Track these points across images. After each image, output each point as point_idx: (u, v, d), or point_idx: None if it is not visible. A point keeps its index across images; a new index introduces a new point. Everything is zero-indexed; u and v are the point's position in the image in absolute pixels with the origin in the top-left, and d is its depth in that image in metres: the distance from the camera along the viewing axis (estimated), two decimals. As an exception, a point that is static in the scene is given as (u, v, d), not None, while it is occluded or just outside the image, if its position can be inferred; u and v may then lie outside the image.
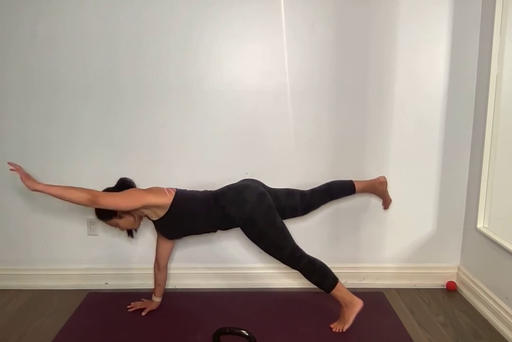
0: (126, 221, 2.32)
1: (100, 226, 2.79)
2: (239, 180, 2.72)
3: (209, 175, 2.72)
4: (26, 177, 2.05)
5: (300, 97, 2.66)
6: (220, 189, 2.37)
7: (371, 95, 2.67)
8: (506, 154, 2.48)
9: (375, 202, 2.78)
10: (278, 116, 2.68)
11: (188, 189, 2.39)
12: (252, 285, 2.81)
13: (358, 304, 2.30)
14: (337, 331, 2.29)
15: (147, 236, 2.80)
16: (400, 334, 2.29)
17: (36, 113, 2.68)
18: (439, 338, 2.28)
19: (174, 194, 2.26)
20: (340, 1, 2.57)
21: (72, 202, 2.08)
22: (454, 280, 2.83)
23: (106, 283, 2.85)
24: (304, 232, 2.79)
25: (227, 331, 1.92)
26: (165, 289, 2.60)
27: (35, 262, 2.84)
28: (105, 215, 2.29)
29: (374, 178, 2.59)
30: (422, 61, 2.64)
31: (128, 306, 2.54)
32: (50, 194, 2.06)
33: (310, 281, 2.32)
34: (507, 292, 2.33)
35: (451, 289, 2.79)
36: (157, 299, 2.53)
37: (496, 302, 2.41)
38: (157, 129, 2.70)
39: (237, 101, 2.67)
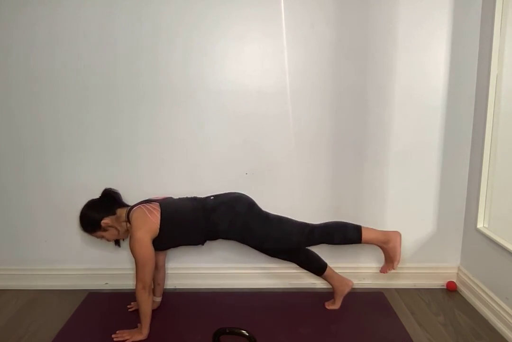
0: (111, 233, 2.32)
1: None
2: (239, 181, 2.73)
3: (209, 175, 2.73)
4: (132, 335, 2.22)
5: (300, 97, 2.66)
6: (209, 202, 2.33)
7: (371, 96, 2.67)
8: (506, 154, 2.48)
9: (375, 201, 2.78)
10: (278, 116, 2.68)
11: (172, 197, 2.40)
12: (252, 285, 2.81)
13: (394, 236, 2.26)
14: (389, 271, 2.30)
15: (147, 236, 2.80)
16: (400, 334, 2.29)
17: (36, 113, 2.68)
18: (439, 338, 2.28)
19: (159, 214, 2.24)
20: (340, 1, 2.57)
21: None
22: (454, 280, 2.83)
23: (106, 283, 2.85)
24: (304, 232, 2.79)
25: (227, 331, 1.92)
26: (165, 289, 2.61)
27: (35, 262, 2.84)
28: (90, 228, 2.31)
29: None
30: (422, 61, 2.63)
31: (128, 306, 2.54)
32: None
33: (335, 243, 2.30)
34: (507, 292, 2.33)
35: (451, 289, 2.79)
36: (157, 299, 2.53)
37: (496, 302, 2.41)
38: (157, 130, 2.69)
39: (237, 101, 2.67)
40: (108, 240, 2.37)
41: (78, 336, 2.29)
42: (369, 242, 2.29)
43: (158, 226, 2.23)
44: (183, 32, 2.59)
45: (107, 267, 2.84)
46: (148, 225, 2.22)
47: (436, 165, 2.74)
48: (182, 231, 2.31)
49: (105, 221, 2.29)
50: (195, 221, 2.30)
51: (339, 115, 2.69)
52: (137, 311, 2.48)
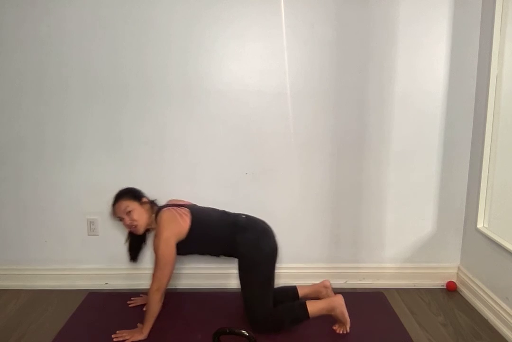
0: (141, 213, 2.31)
1: (100, 226, 2.80)
2: (239, 181, 2.73)
3: (209, 175, 2.73)
4: (132, 335, 2.22)
5: (300, 97, 2.66)
6: (241, 221, 2.36)
7: (371, 96, 2.67)
8: (506, 154, 2.48)
9: (375, 201, 2.78)
10: (278, 116, 2.68)
11: (200, 206, 2.42)
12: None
13: (337, 303, 2.28)
14: (341, 332, 2.29)
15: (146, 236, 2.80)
16: (400, 334, 2.29)
17: (35, 114, 2.68)
18: (439, 338, 2.28)
19: (189, 220, 2.27)
20: (340, 1, 2.57)
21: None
22: (454, 280, 2.83)
23: (106, 283, 2.85)
24: (304, 232, 2.79)
25: (227, 331, 1.92)
26: (165, 289, 2.60)
27: (35, 262, 2.84)
28: (132, 196, 2.33)
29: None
30: (422, 62, 2.64)
31: (128, 302, 2.56)
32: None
33: (286, 329, 2.29)
34: (507, 292, 2.33)
35: (451, 289, 2.79)
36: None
37: (496, 302, 2.41)
38: (158, 129, 2.69)
39: (237, 101, 2.67)
40: (130, 223, 2.30)
41: (78, 336, 2.29)
42: (317, 315, 2.26)
43: (187, 231, 2.25)
44: (184, 32, 2.59)
45: (107, 267, 2.84)
46: (177, 227, 2.24)
47: (436, 165, 2.74)
48: (207, 240, 2.33)
49: (145, 200, 2.35)
50: (222, 235, 2.32)
51: (339, 115, 2.69)
52: (137, 310, 2.48)
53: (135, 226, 2.32)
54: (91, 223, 2.79)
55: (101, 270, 2.84)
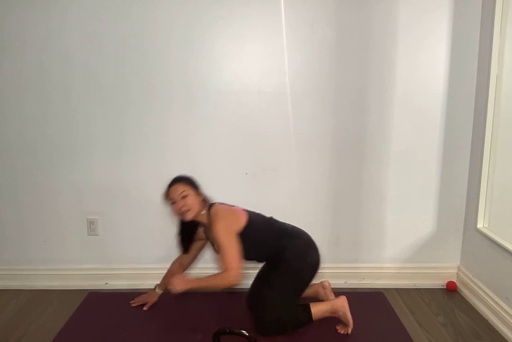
0: (195, 200, 2.28)
1: (100, 226, 2.80)
2: (239, 181, 2.73)
3: (210, 175, 2.72)
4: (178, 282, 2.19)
5: (300, 97, 2.66)
6: (288, 228, 2.38)
7: (370, 96, 2.67)
8: (506, 154, 2.48)
9: (375, 201, 2.78)
10: (278, 116, 2.68)
11: (255, 212, 2.39)
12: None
13: (340, 305, 2.29)
14: (343, 332, 2.30)
15: (147, 236, 2.80)
16: (400, 334, 2.29)
17: (36, 114, 2.68)
18: (439, 338, 2.28)
19: (246, 218, 2.27)
20: (339, 1, 2.57)
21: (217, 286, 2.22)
22: (454, 280, 2.83)
23: (106, 283, 2.85)
24: (304, 232, 2.79)
25: (227, 331, 1.92)
26: (165, 289, 2.60)
27: (35, 262, 2.84)
28: (193, 182, 2.32)
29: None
30: (422, 62, 2.64)
31: (131, 302, 2.56)
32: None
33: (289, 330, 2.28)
34: (507, 292, 2.33)
35: (451, 289, 2.79)
36: (159, 291, 2.54)
37: (496, 302, 2.41)
38: (159, 130, 2.69)
39: (238, 101, 2.67)
40: (182, 208, 2.25)
41: (78, 336, 2.29)
42: (320, 317, 2.28)
43: (242, 229, 2.24)
44: (184, 33, 2.59)
45: (107, 267, 2.84)
46: (235, 220, 2.25)
47: (436, 165, 2.74)
48: (256, 243, 2.29)
49: (201, 192, 2.34)
50: (271, 239, 2.31)
51: (339, 114, 2.69)
52: (137, 310, 2.49)
53: (186, 211, 2.26)
54: (91, 223, 2.79)
55: (101, 270, 2.84)
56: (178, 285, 2.18)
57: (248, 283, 2.78)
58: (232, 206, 2.36)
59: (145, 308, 2.50)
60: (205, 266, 2.83)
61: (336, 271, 2.75)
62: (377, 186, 2.76)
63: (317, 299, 2.45)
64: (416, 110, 2.68)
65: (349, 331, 2.29)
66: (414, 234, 2.82)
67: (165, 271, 2.84)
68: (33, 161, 2.73)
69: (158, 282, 2.57)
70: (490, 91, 2.46)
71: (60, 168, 2.74)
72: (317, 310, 2.27)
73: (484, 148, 2.52)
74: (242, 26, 2.59)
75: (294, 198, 2.77)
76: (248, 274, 2.71)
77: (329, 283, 2.51)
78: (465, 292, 2.71)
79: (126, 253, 2.83)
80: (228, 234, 2.20)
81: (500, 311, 2.36)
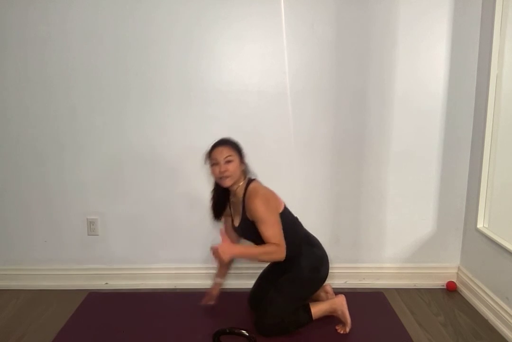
0: (237, 166, 2.20)
1: (100, 226, 2.80)
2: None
3: (210, 175, 2.72)
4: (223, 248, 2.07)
5: (300, 97, 2.66)
6: (311, 235, 2.36)
7: (371, 96, 2.67)
8: (506, 154, 2.48)
9: (375, 201, 2.78)
10: (278, 116, 2.68)
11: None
12: (252, 285, 2.81)
13: (339, 304, 2.30)
14: (342, 332, 2.30)
15: (147, 236, 2.80)
16: (400, 334, 2.29)
17: (37, 114, 2.68)
18: (439, 338, 2.28)
19: (282, 206, 2.24)
20: (339, 1, 2.57)
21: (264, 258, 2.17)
22: (454, 280, 2.83)
23: (106, 283, 2.85)
24: (304, 232, 2.79)
25: (227, 331, 1.93)
26: (165, 289, 2.61)
27: (35, 262, 2.84)
28: (239, 148, 2.26)
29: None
30: (422, 62, 2.63)
31: (201, 303, 2.49)
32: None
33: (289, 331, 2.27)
34: (507, 292, 2.33)
35: (451, 289, 2.79)
36: (219, 281, 2.48)
37: (496, 302, 2.41)
38: (158, 129, 2.69)
39: (238, 101, 2.67)
40: (223, 172, 2.16)
41: (78, 336, 2.29)
42: (320, 317, 2.29)
43: (280, 212, 2.19)
44: (183, 32, 2.59)
45: (107, 267, 2.84)
46: (277, 201, 2.21)
47: (436, 165, 2.74)
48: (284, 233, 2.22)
49: (246, 161, 2.27)
50: (295, 241, 2.25)
51: (339, 114, 2.69)
52: (137, 310, 2.48)
53: (227, 177, 2.17)
54: (91, 223, 2.79)
55: (101, 270, 2.84)
56: (224, 253, 2.04)
57: (248, 283, 2.79)
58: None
59: (212, 302, 2.44)
60: (206, 266, 2.84)
61: (336, 271, 2.75)
62: (377, 186, 2.76)
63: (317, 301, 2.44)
64: (416, 110, 2.68)
65: (347, 330, 2.29)
66: (414, 234, 2.82)
67: (165, 271, 2.86)
68: (33, 162, 2.73)
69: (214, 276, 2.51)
70: (490, 91, 2.46)
71: (61, 168, 2.74)
72: (317, 310, 2.28)
73: (484, 148, 2.52)
74: (242, 26, 2.59)
75: (294, 197, 2.76)
76: (249, 274, 2.73)
77: (331, 287, 2.50)
78: (465, 292, 2.71)
79: (126, 253, 2.83)
80: (270, 209, 2.13)
81: (500, 311, 2.36)
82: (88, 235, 2.81)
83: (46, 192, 2.76)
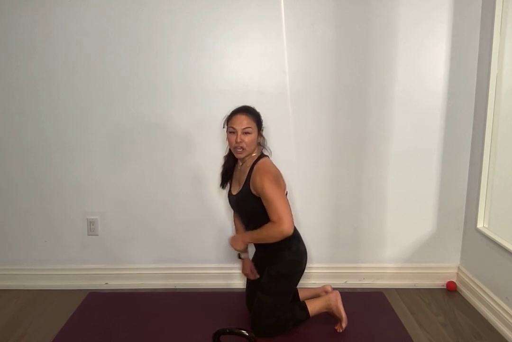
0: (254, 138, 2.17)
1: (100, 226, 2.80)
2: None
3: (209, 175, 2.72)
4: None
5: (300, 97, 2.66)
6: (298, 231, 2.31)
7: (371, 96, 2.67)
8: (506, 154, 2.48)
9: (375, 201, 2.78)
10: (278, 116, 2.68)
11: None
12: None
13: (334, 299, 2.31)
14: (340, 330, 2.30)
15: (147, 236, 2.80)
16: (400, 334, 2.29)
17: (37, 114, 2.68)
18: (439, 338, 2.28)
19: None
20: (339, 1, 2.57)
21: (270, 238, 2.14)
22: (454, 280, 2.83)
23: (106, 283, 2.85)
24: (305, 231, 2.78)
25: (227, 331, 1.92)
26: (165, 289, 2.60)
27: (35, 262, 2.84)
28: (259, 118, 2.23)
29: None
30: (422, 62, 2.63)
31: (247, 277, 2.46)
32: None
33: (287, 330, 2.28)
34: (507, 292, 2.33)
35: (451, 289, 2.79)
36: (245, 256, 2.42)
37: (496, 302, 2.41)
38: (158, 129, 2.69)
39: (238, 101, 2.66)
40: (239, 143, 2.13)
41: (78, 336, 2.29)
42: (316, 313, 2.30)
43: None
44: (184, 32, 2.59)
45: (107, 267, 2.84)
46: (284, 182, 2.20)
47: (436, 165, 2.74)
48: None
49: (263, 134, 2.26)
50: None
51: (339, 114, 2.69)
52: (137, 310, 2.48)
53: (241, 148, 2.15)
54: (91, 223, 2.79)
55: (101, 270, 2.84)
56: (235, 245, 2.23)
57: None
58: None
59: (257, 276, 2.39)
60: (205, 266, 2.84)
61: (336, 271, 2.75)
62: (377, 186, 2.76)
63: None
64: (416, 110, 2.68)
65: (343, 326, 2.29)
66: (414, 234, 2.82)
67: (165, 271, 2.86)
68: (33, 162, 2.73)
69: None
70: (490, 91, 2.46)
71: (60, 168, 2.73)
72: (313, 307, 2.29)
73: (484, 148, 2.52)
74: (242, 26, 2.59)
75: (294, 197, 2.76)
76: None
77: (331, 287, 2.49)
78: (465, 292, 2.71)
79: (126, 253, 2.83)
80: (277, 186, 2.12)
81: (500, 311, 2.36)
82: (88, 235, 2.81)
83: (46, 192, 2.76)
